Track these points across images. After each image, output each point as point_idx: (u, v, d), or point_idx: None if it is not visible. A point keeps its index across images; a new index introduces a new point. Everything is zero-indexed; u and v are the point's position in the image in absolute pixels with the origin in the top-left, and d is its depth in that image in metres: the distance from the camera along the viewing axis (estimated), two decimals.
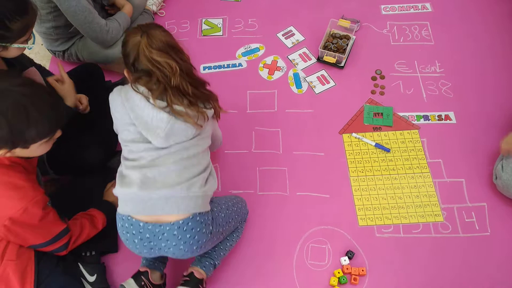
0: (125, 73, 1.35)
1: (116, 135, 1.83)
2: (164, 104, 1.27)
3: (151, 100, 1.26)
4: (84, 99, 1.70)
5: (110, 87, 1.92)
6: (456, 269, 1.58)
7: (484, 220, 1.69)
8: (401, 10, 2.28)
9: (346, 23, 2.10)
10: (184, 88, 1.27)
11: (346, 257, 1.60)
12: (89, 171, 1.67)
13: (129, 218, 1.30)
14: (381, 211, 1.73)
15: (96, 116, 1.71)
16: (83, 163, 1.64)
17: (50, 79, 1.59)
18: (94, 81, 1.85)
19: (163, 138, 1.27)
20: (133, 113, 1.27)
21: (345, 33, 2.14)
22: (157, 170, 1.29)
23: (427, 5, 2.30)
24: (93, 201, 1.59)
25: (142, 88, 1.27)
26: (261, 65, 2.12)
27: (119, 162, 1.78)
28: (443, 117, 1.94)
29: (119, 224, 1.34)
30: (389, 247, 1.64)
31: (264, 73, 2.10)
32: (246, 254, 1.63)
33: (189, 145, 1.33)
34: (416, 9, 2.29)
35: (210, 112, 1.39)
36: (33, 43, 1.40)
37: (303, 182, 1.80)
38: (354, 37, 2.13)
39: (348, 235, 1.67)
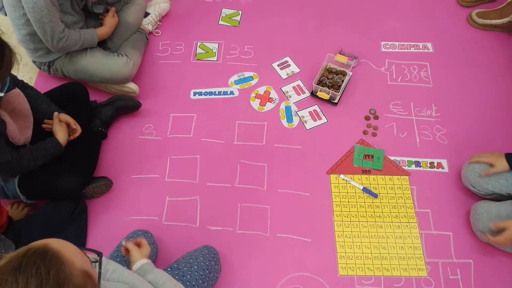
0: None
1: (93, 161, 1.77)
2: None
3: None
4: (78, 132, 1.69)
5: (95, 108, 1.87)
6: None
7: (469, 278, 1.62)
8: (401, 49, 2.23)
9: (343, 59, 2.05)
10: None
11: None
12: (63, 198, 1.61)
13: None
14: (363, 260, 1.66)
15: (75, 140, 1.66)
16: (58, 191, 1.57)
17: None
18: (78, 103, 1.79)
19: None
20: None
21: (341, 69, 2.09)
22: None
23: (429, 45, 2.24)
24: (63, 230, 1.53)
25: None
26: (253, 95, 2.07)
27: (93, 191, 1.73)
28: (435, 164, 1.88)
29: None
30: None
31: (255, 103, 2.04)
32: None
33: None
34: (417, 49, 2.23)
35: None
36: (4, 92, 1.35)
37: (285, 223, 1.73)
38: (351, 73, 2.08)
39: (326, 284, 1.60)
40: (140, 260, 1.27)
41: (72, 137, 1.67)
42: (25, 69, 2.08)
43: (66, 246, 0.77)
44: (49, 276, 0.69)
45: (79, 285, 0.73)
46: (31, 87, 1.70)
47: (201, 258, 1.44)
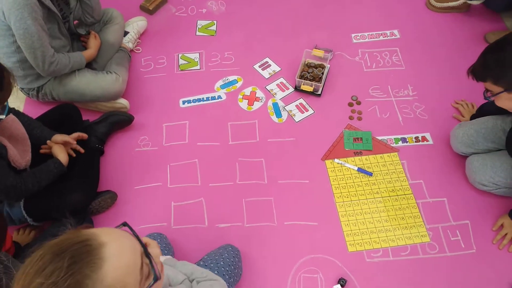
0: None
1: (95, 177, 1.80)
2: None
3: None
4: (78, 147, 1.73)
5: (89, 126, 1.90)
6: None
7: (468, 238, 1.72)
8: (371, 38, 2.37)
9: (320, 53, 2.16)
10: None
11: (339, 285, 1.59)
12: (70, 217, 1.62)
13: None
14: (369, 235, 1.74)
15: (75, 159, 1.68)
16: (64, 209, 1.58)
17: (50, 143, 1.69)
18: (71, 124, 1.81)
19: None
20: None
21: (319, 62, 2.20)
22: None
23: (395, 31, 2.39)
24: None
25: None
26: (240, 96, 2.15)
27: (99, 205, 1.74)
28: (420, 138, 2.00)
29: None
30: (379, 271, 1.65)
31: (243, 104, 2.12)
32: None
33: None
34: (385, 36, 2.38)
35: None
36: (5, 114, 1.38)
37: (290, 211, 1.80)
38: (329, 65, 2.19)
39: (338, 262, 1.67)
40: (161, 257, 1.28)
41: (75, 147, 1.72)
42: (11, 99, 2.08)
43: (121, 253, 0.68)
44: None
45: None
46: (22, 113, 1.72)
47: (225, 254, 1.47)
